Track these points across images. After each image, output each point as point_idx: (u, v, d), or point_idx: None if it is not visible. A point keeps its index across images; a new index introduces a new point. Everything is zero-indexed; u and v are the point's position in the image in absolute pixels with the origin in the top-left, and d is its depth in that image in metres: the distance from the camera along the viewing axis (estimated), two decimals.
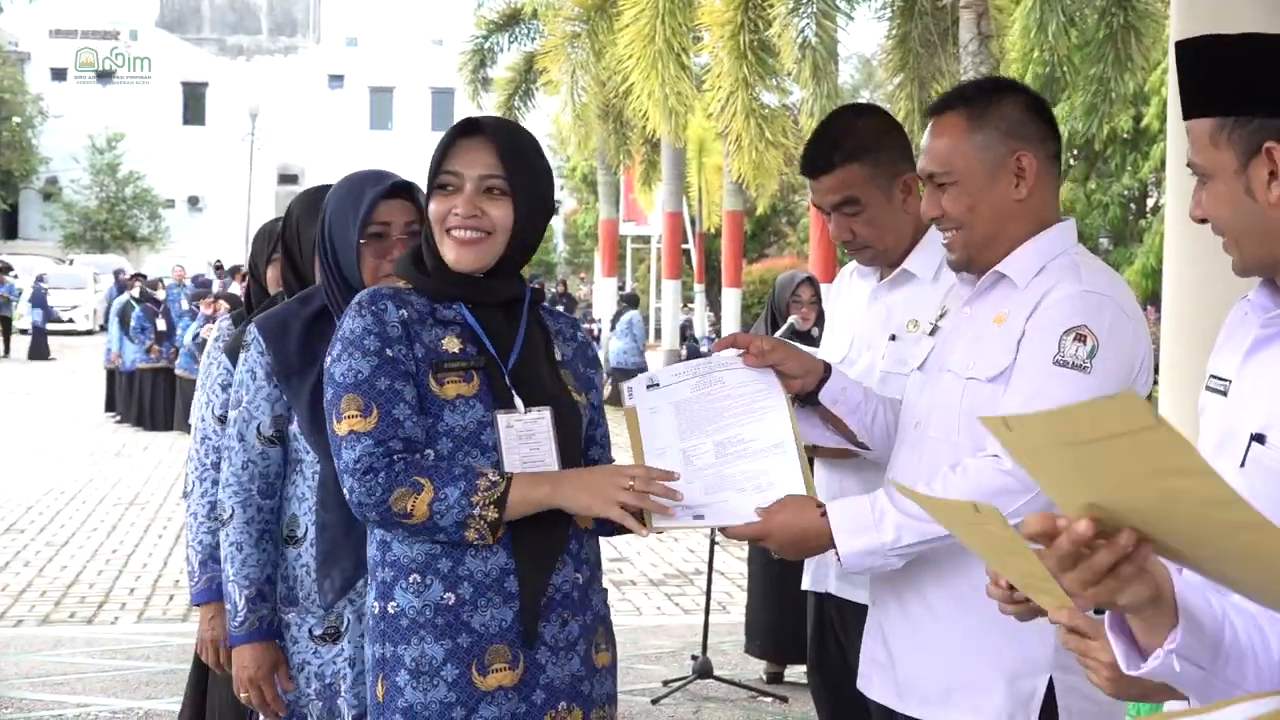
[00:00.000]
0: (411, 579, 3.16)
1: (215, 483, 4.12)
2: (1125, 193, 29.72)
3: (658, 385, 3.42)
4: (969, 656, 3.14)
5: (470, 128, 3.26)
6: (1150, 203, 30.70)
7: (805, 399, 3.56)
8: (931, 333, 3.54)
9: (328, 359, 3.21)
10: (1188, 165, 2.50)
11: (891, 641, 3.42)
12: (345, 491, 3.15)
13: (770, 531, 3.23)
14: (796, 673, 8.34)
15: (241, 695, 3.78)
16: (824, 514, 3.22)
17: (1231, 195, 2.42)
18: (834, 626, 4.14)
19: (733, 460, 3.32)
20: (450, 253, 3.23)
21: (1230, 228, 2.45)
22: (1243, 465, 2.41)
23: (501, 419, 3.18)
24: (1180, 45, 2.47)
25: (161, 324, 21.77)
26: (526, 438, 3.20)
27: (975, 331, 3.30)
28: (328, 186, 4.29)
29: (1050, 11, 17.33)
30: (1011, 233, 3.30)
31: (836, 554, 3.21)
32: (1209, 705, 1.90)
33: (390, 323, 3.17)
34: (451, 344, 3.22)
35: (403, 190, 3.80)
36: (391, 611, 3.18)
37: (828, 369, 3.57)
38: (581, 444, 3.34)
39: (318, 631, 3.71)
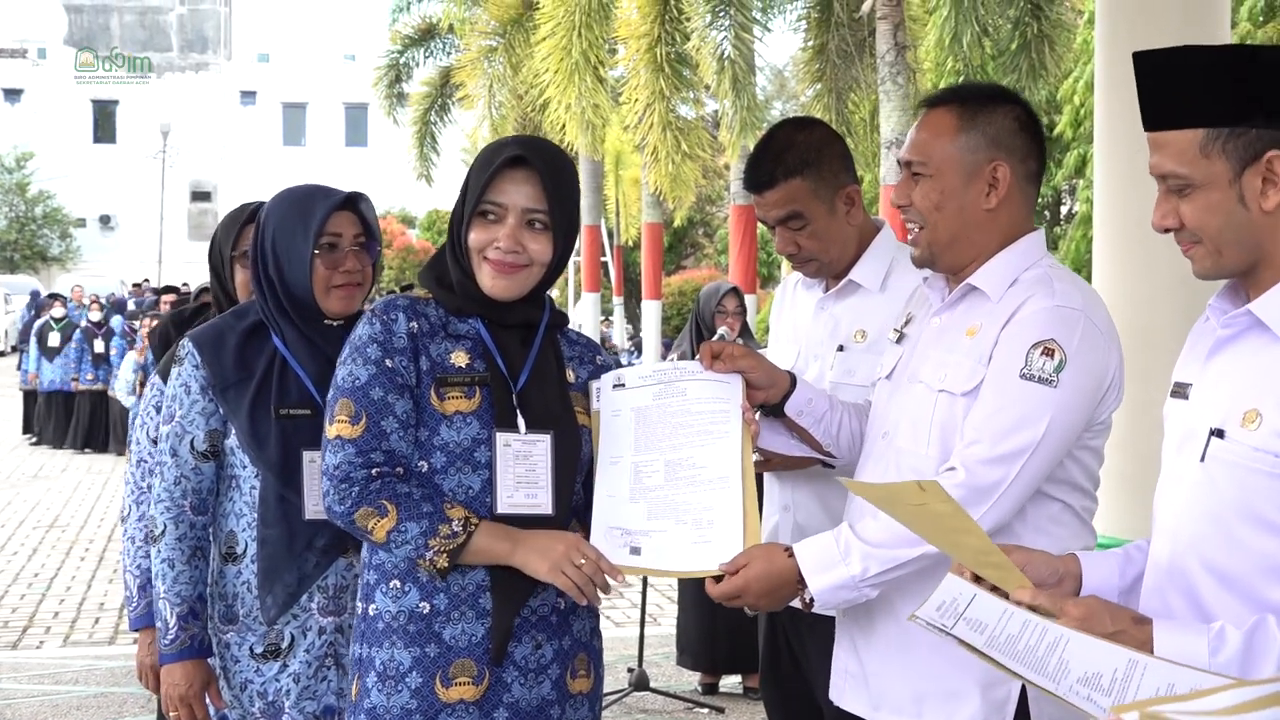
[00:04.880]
0: (392, 584, 3.21)
1: None
2: (1039, 200, 30.04)
3: (623, 386, 3.39)
4: (941, 665, 3.13)
5: (519, 159, 3.25)
6: (1064, 210, 31.01)
7: (770, 410, 3.56)
8: (898, 340, 3.52)
9: (339, 361, 3.28)
10: (1162, 176, 2.53)
11: (863, 652, 3.41)
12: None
13: (747, 586, 3.19)
14: (730, 683, 8.37)
15: (170, 715, 3.74)
16: (791, 555, 3.20)
17: (1225, 204, 2.47)
18: (786, 636, 4.14)
19: (680, 486, 3.29)
20: (487, 280, 3.26)
21: (1220, 236, 2.50)
22: (1203, 460, 2.48)
23: (500, 438, 3.21)
24: (1147, 57, 2.51)
25: (100, 346, 21.42)
26: (523, 459, 3.22)
27: (948, 343, 3.30)
28: (247, 206, 4.35)
29: (965, 22, 17.52)
30: (976, 240, 3.29)
31: (807, 595, 3.19)
32: (1196, 692, 1.94)
33: (397, 334, 3.23)
34: (460, 358, 3.26)
35: (348, 203, 3.79)
36: (371, 614, 3.24)
37: (793, 381, 3.57)
38: (579, 466, 3.33)
39: (259, 649, 3.68)
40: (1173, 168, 2.51)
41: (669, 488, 3.28)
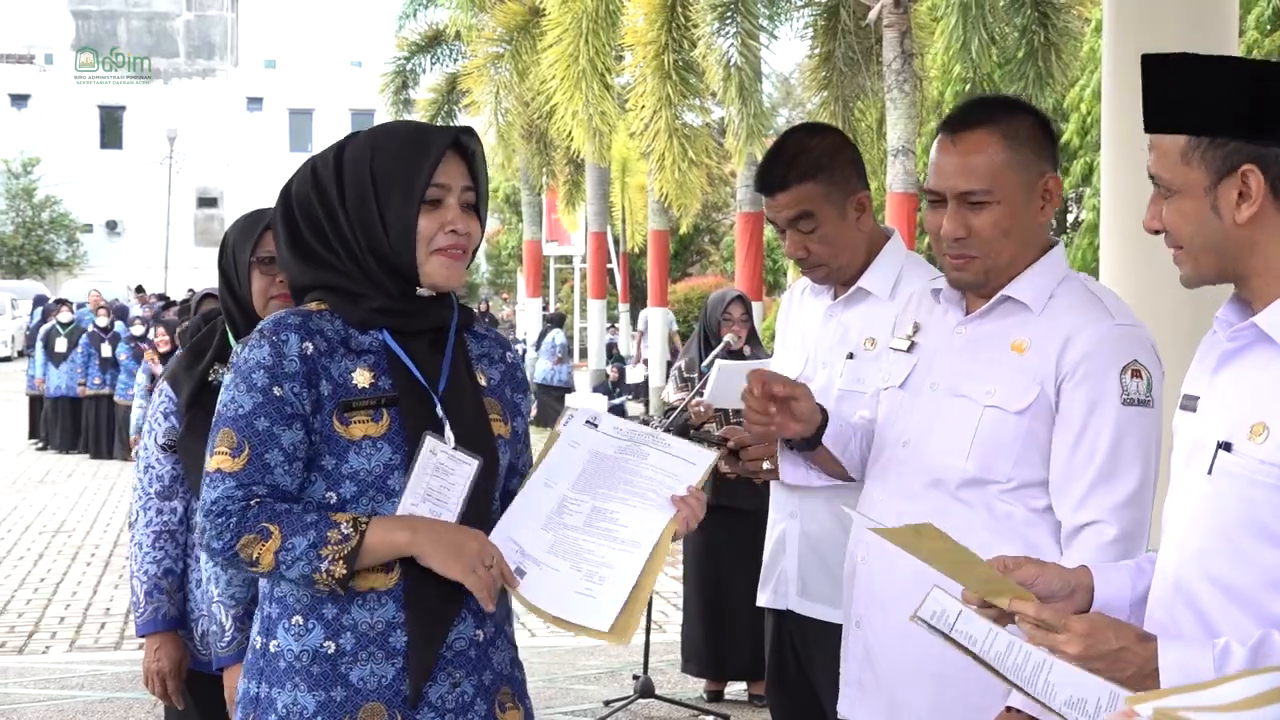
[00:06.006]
0: (294, 620, 2.93)
1: (159, 511, 4.12)
2: None
3: (595, 426, 3.20)
4: (964, 677, 3.11)
5: (457, 138, 3.02)
6: (1070, 218, 31.00)
7: (798, 444, 3.56)
8: (909, 349, 3.49)
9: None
10: (1150, 177, 2.55)
11: (879, 662, 3.39)
12: (197, 531, 2.95)
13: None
14: (735, 690, 8.37)
15: (237, 718, 3.70)
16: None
17: (1197, 212, 2.48)
18: (793, 643, 4.14)
19: (593, 534, 3.04)
20: (442, 271, 2.99)
21: (1191, 243, 2.51)
22: (1209, 473, 2.47)
23: (429, 442, 2.93)
24: (1152, 60, 2.51)
25: (106, 350, 21.40)
26: (443, 473, 2.97)
27: (989, 357, 3.27)
28: (262, 211, 4.22)
29: (972, 30, 17.54)
30: (1026, 257, 3.28)
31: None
32: (1205, 682, 1.94)
33: (289, 357, 2.91)
34: (362, 378, 2.96)
35: None
36: (272, 650, 2.95)
37: (825, 413, 3.56)
38: (498, 483, 3.10)
39: None
40: (1158, 170, 2.52)
41: (583, 532, 3.05)
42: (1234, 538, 2.44)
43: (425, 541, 2.87)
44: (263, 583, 3.01)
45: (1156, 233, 2.58)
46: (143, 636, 4.21)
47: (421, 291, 3.03)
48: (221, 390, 2.94)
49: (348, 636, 2.90)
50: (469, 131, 3.07)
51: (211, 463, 2.89)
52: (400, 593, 2.91)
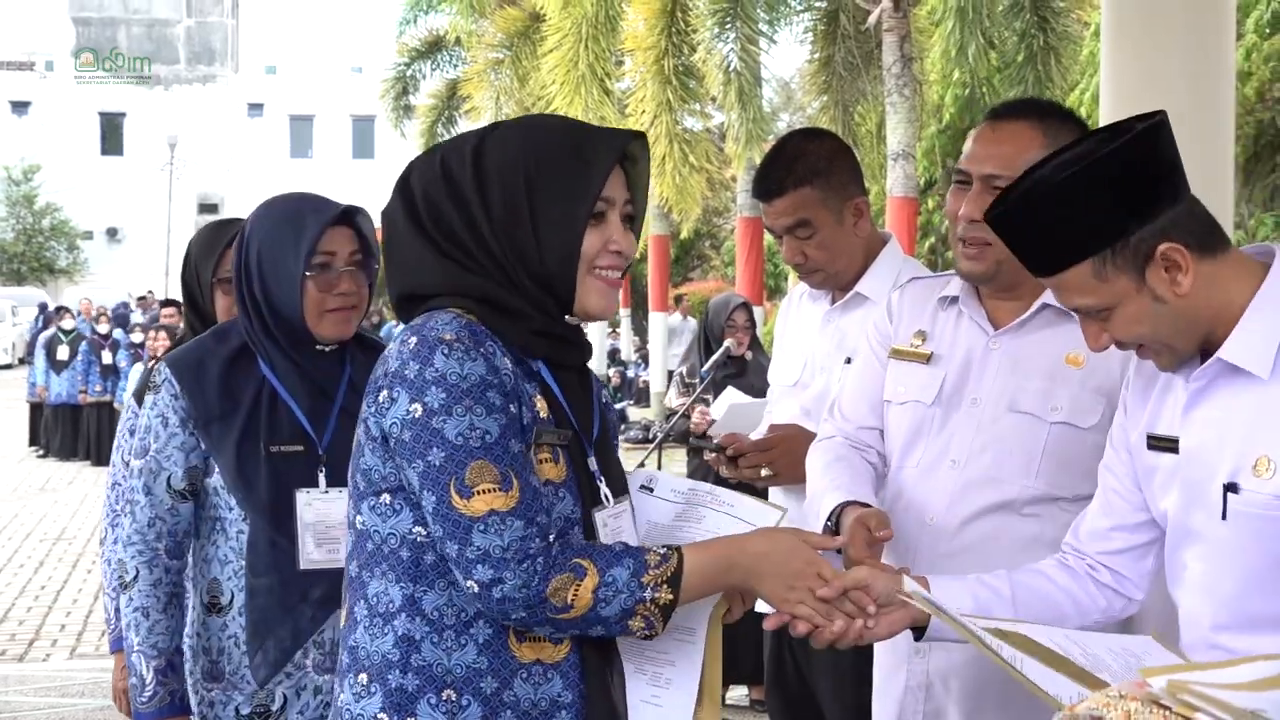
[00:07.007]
0: (445, 695, 2.48)
1: None
2: None
3: (650, 491, 2.85)
4: (1034, 709, 3.09)
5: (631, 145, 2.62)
6: None
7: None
8: (929, 360, 3.34)
9: (413, 407, 2.44)
10: (1073, 310, 2.53)
11: (951, 688, 3.27)
12: (481, 583, 2.41)
13: None
14: (737, 695, 8.35)
15: None
16: None
17: (1144, 311, 2.45)
18: (791, 648, 4.15)
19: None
20: (599, 301, 2.59)
21: (1156, 337, 2.49)
22: (1224, 518, 2.44)
23: (599, 516, 2.58)
24: (1003, 216, 2.48)
25: (107, 357, 21.39)
26: (615, 535, 2.61)
27: (1043, 371, 3.19)
28: (227, 221, 4.11)
29: (970, 34, 17.55)
30: None
31: None
32: (1220, 662, 1.95)
33: (503, 370, 2.47)
34: (542, 406, 2.54)
35: (343, 218, 3.43)
36: None
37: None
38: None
39: (245, 710, 3.37)
40: (1081, 302, 2.49)
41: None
42: (1264, 576, 2.43)
43: (750, 571, 2.54)
44: (384, 644, 2.52)
45: (1104, 348, 2.56)
46: (114, 654, 4.14)
47: (569, 319, 2.63)
48: (430, 417, 2.42)
49: (508, 715, 2.50)
50: (640, 137, 2.66)
51: (478, 504, 2.41)
52: (569, 668, 2.54)
